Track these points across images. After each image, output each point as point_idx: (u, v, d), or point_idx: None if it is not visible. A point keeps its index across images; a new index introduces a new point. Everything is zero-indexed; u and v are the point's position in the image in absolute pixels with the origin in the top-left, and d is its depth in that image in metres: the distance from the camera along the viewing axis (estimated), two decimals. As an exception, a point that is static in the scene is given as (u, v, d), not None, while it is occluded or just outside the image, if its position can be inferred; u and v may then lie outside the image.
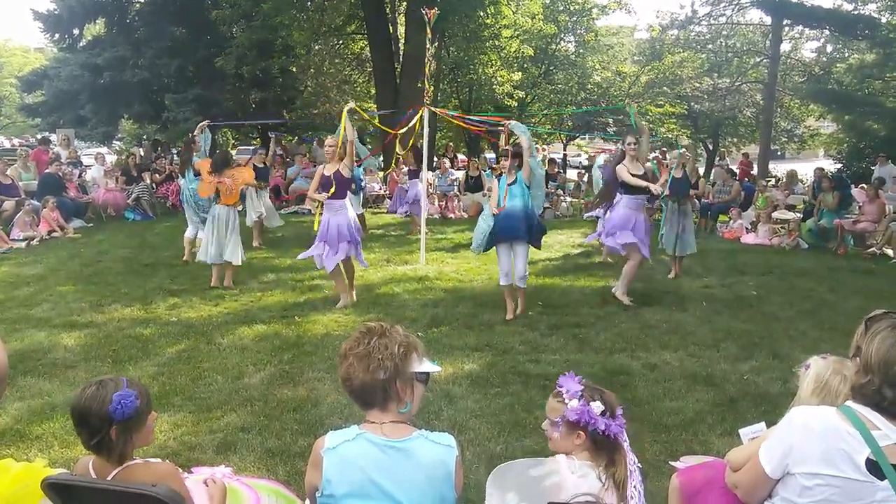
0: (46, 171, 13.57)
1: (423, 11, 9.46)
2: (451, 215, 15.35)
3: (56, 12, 19.74)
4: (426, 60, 9.92)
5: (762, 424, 2.78)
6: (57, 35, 20.27)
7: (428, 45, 9.78)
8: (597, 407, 2.33)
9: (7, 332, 6.22)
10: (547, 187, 16.23)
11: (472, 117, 11.21)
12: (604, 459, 2.33)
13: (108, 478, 2.22)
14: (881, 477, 1.93)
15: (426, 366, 2.26)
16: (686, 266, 9.03)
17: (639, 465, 2.42)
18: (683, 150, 10.72)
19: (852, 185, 13.64)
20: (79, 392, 2.24)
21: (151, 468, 2.28)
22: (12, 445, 4.08)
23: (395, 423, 2.18)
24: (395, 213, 15.76)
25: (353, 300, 7.40)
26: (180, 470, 2.66)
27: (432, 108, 9.85)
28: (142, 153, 17.36)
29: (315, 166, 16.37)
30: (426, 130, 9.87)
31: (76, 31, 20.42)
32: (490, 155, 22.29)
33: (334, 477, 2.11)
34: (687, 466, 2.88)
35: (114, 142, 25.88)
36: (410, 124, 10.47)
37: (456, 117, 11.71)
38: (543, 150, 17.35)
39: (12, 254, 10.42)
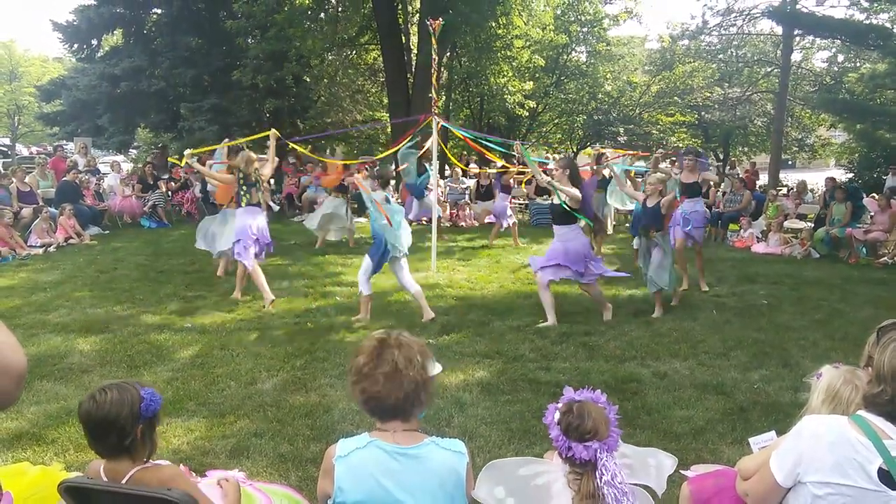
0: (64, 178, 13.74)
1: (428, 22, 9.54)
2: (462, 223, 15.40)
3: (75, 23, 19.97)
4: (433, 71, 9.99)
5: (772, 433, 2.78)
6: (75, 45, 20.50)
7: (434, 56, 9.85)
8: (556, 414, 2.33)
9: (24, 337, 6.29)
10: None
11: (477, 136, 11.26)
12: (578, 473, 2.28)
13: (123, 481, 2.25)
14: (893, 487, 1.93)
15: (434, 368, 2.30)
16: (695, 274, 8.89)
17: (629, 496, 2.25)
18: (659, 163, 9.11)
19: (864, 195, 13.56)
20: (90, 401, 2.22)
21: (160, 470, 2.32)
22: (28, 449, 4.13)
23: (408, 430, 2.20)
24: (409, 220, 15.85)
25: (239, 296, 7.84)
26: (194, 474, 2.71)
27: (440, 120, 9.90)
28: (153, 162, 17.49)
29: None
30: (435, 139, 9.93)
31: (94, 42, 20.65)
32: (500, 164, 22.31)
33: (346, 485, 2.13)
34: (697, 475, 2.89)
35: (130, 150, 26.11)
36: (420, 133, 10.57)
37: (464, 137, 11.69)
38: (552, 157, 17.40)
39: (30, 260, 10.55)
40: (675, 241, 8.44)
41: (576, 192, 6.76)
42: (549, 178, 7.06)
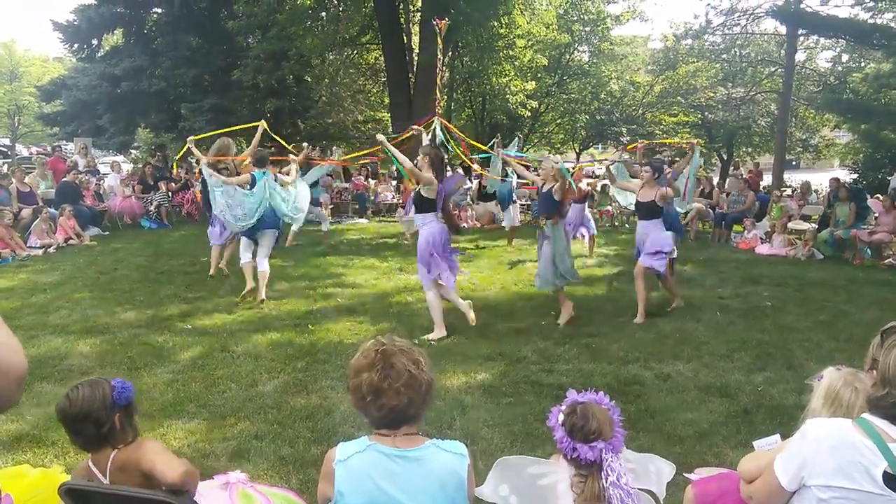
0: (64, 179, 13.73)
1: (434, 22, 9.50)
2: (464, 225, 15.38)
3: (75, 23, 19.98)
4: (437, 71, 9.94)
5: (777, 436, 2.77)
6: (76, 45, 20.51)
7: (439, 56, 9.80)
8: (560, 416, 2.33)
9: (24, 339, 6.27)
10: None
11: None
12: (583, 475, 2.28)
13: (107, 463, 2.38)
14: (899, 490, 1.91)
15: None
16: (699, 276, 8.87)
17: (634, 497, 2.26)
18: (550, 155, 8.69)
19: (868, 196, 13.51)
20: (66, 400, 2.39)
21: (139, 446, 2.44)
22: (29, 451, 4.11)
23: (408, 434, 2.19)
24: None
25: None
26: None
27: (444, 122, 9.84)
28: (152, 162, 17.49)
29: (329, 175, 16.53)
30: (438, 140, 9.88)
31: (95, 42, 20.67)
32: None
33: (346, 489, 2.12)
34: (701, 478, 2.88)
35: (130, 150, 26.14)
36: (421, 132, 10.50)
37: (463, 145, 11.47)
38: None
39: (30, 261, 10.53)
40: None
41: (429, 177, 6.35)
42: (410, 165, 6.65)
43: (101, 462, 2.40)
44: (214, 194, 7.69)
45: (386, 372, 2.12)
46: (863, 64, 24.27)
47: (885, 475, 1.92)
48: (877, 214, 12.10)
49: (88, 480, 2.40)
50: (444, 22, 9.35)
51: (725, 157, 27.77)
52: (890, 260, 11.01)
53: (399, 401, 2.11)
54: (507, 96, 22.00)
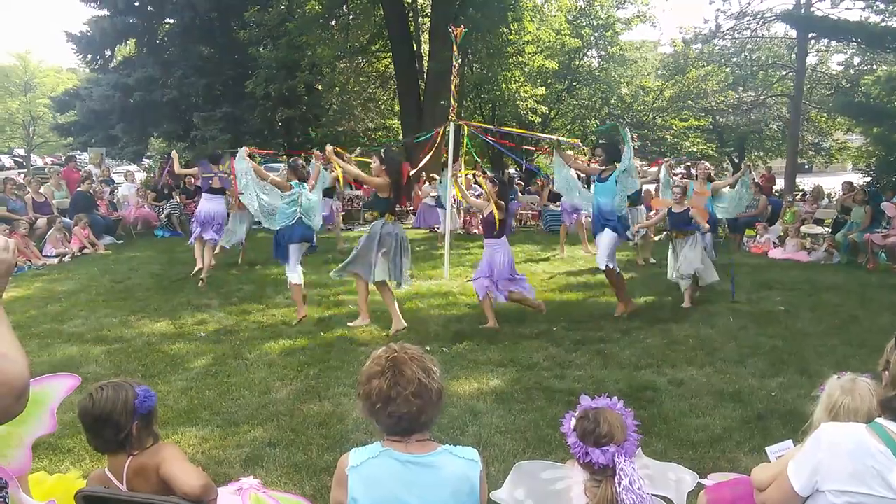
0: (78, 189, 13.87)
1: (451, 30, 9.52)
2: (476, 230, 15.37)
3: (89, 34, 20.21)
4: (453, 77, 9.95)
5: (789, 442, 2.76)
6: (89, 56, 20.75)
7: (455, 63, 9.82)
8: (573, 421, 2.36)
9: (39, 347, 6.35)
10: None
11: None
12: (597, 480, 2.28)
13: (124, 469, 2.38)
14: (913, 495, 1.90)
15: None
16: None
17: (647, 502, 2.26)
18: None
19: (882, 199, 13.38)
20: (88, 399, 2.40)
21: (157, 452, 2.44)
22: (45, 458, 4.14)
23: (420, 440, 2.19)
24: (420, 227, 15.93)
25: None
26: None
27: (464, 122, 9.88)
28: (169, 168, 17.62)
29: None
30: (451, 145, 9.90)
31: (108, 52, 20.91)
32: (513, 170, 22.30)
33: (360, 495, 2.11)
34: (714, 484, 2.87)
35: (143, 160, 26.34)
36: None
37: (479, 129, 11.57)
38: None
39: (45, 270, 10.64)
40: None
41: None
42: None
43: (117, 468, 2.41)
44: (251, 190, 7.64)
45: (395, 379, 2.12)
46: (875, 66, 24.10)
47: None
48: (891, 218, 11.99)
49: (105, 487, 2.41)
50: (460, 29, 9.38)
51: (737, 161, 27.63)
52: (904, 264, 10.90)
53: (408, 408, 2.11)
54: (518, 102, 21.99)
